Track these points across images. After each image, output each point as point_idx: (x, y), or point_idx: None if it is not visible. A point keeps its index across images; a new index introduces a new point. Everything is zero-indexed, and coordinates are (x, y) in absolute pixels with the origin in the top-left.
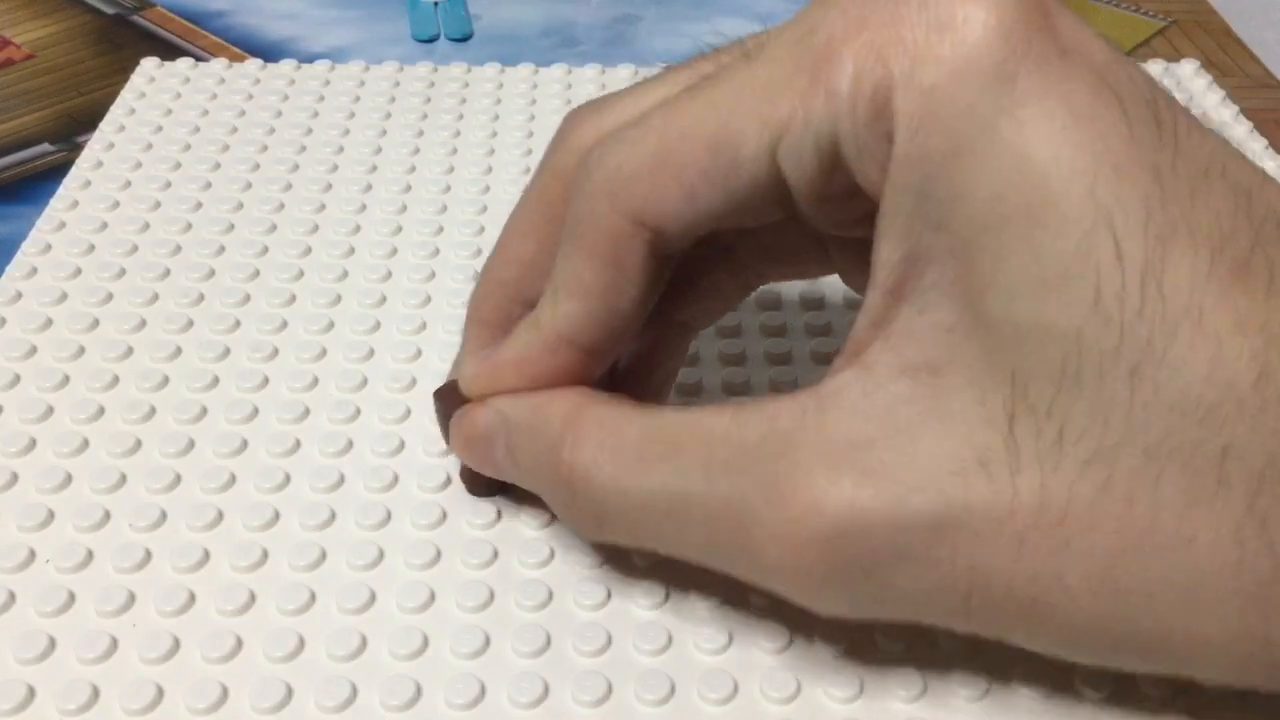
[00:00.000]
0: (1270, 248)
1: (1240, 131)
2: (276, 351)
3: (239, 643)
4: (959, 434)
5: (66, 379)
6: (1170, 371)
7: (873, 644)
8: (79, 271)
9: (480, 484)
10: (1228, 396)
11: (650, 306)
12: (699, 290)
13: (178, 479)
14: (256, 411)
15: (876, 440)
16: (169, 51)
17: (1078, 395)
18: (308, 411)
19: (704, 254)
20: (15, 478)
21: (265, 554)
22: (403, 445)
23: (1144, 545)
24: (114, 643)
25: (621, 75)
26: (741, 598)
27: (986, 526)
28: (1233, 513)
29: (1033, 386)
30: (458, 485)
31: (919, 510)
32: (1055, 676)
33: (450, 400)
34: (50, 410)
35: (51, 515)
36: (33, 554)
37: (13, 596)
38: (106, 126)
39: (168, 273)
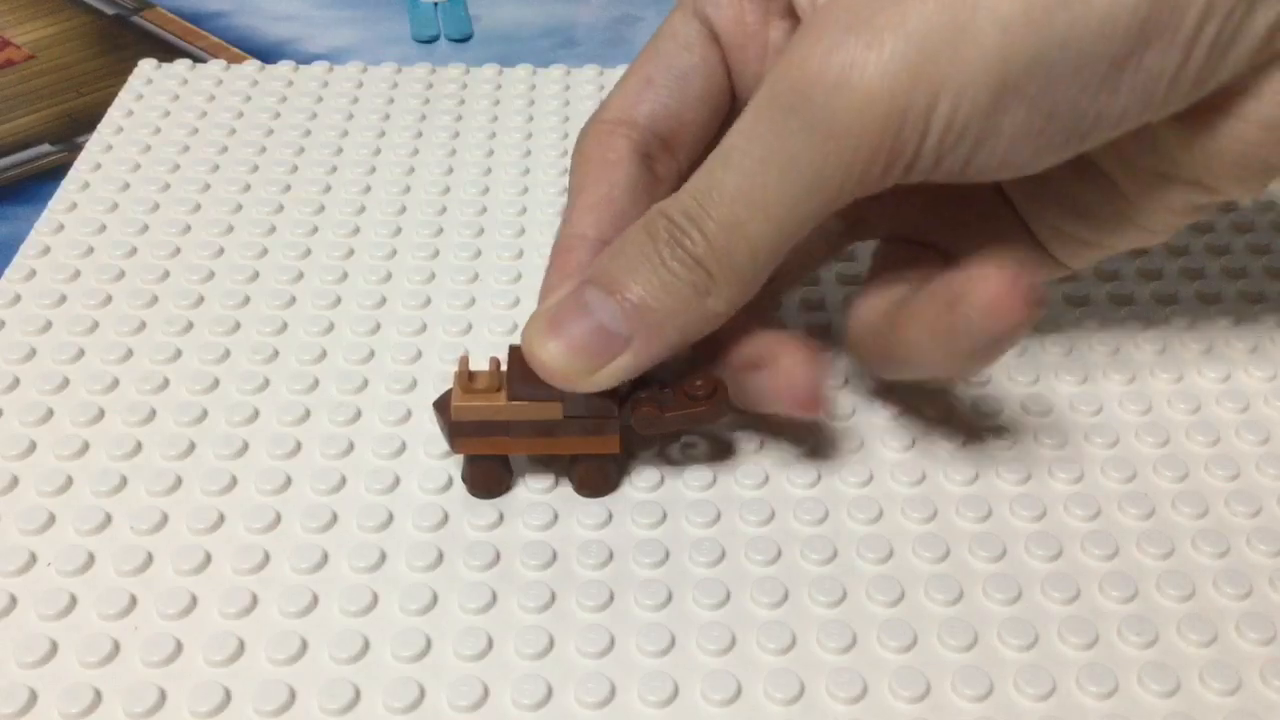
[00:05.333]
0: None
1: None
2: (277, 353)
3: (241, 646)
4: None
5: (66, 381)
6: None
7: (875, 645)
8: (78, 274)
9: (482, 485)
10: None
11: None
12: None
13: (179, 481)
14: (257, 414)
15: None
16: (169, 52)
17: None
18: (308, 413)
19: None
20: (16, 481)
21: (267, 556)
22: (404, 447)
23: None
24: (116, 646)
25: (621, 76)
26: (745, 599)
27: None
28: None
29: None
30: (459, 487)
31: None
32: (1055, 678)
33: (449, 409)
34: (50, 413)
35: (52, 518)
36: (34, 557)
37: (14, 600)
38: (104, 128)
39: (167, 275)
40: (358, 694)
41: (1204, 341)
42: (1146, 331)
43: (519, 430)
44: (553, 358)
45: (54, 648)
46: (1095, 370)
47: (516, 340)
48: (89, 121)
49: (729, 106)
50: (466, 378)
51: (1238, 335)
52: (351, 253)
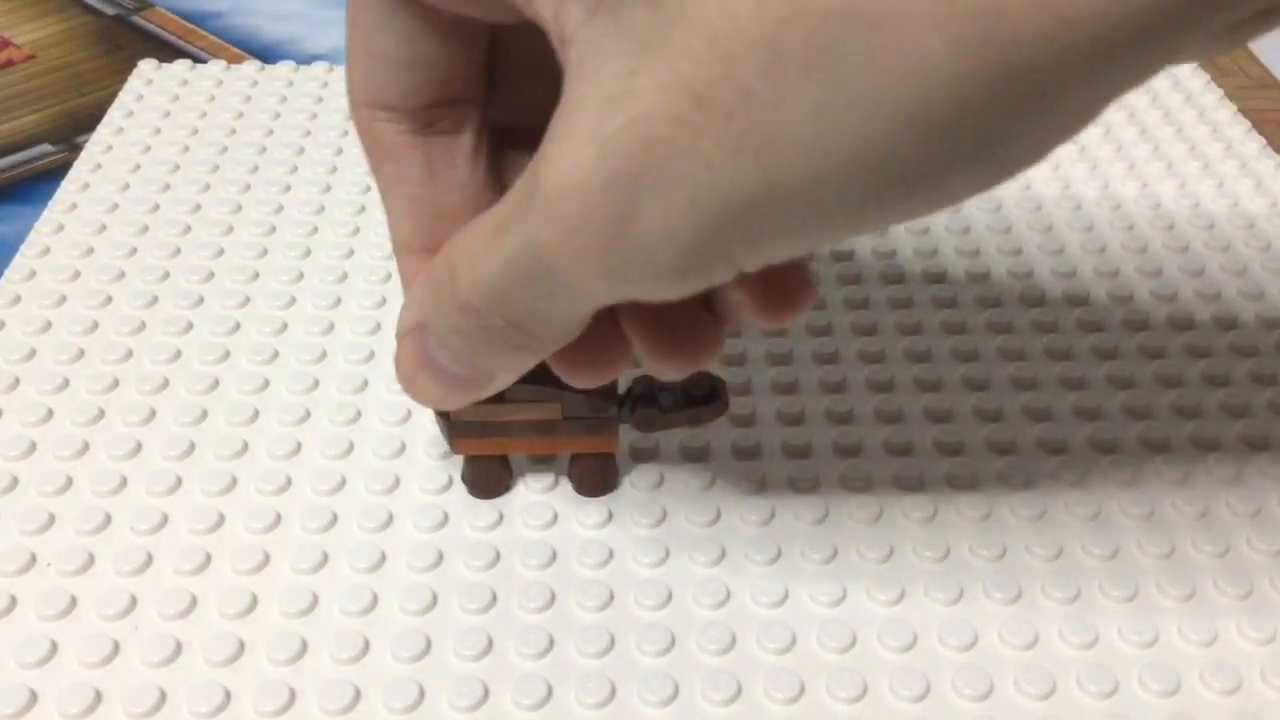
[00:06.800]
0: None
1: (1238, 131)
2: (277, 354)
3: (242, 646)
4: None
5: (66, 382)
6: None
7: (875, 644)
8: (78, 274)
9: (482, 485)
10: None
11: (468, 171)
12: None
13: (179, 482)
14: (258, 414)
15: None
16: (169, 52)
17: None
18: (309, 414)
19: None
20: (16, 481)
21: (267, 557)
22: (404, 447)
23: None
24: (116, 647)
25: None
26: (745, 598)
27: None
28: None
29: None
30: (459, 487)
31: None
32: (1055, 677)
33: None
34: (50, 413)
35: (53, 519)
36: (34, 558)
37: (14, 601)
38: (104, 129)
39: (167, 275)
40: (358, 694)
41: (1203, 340)
42: (1144, 332)
43: (518, 430)
44: (429, 396)
45: (54, 648)
46: (1094, 368)
47: None
48: (89, 121)
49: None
50: None
51: (1237, 335)
52: (351, 253)
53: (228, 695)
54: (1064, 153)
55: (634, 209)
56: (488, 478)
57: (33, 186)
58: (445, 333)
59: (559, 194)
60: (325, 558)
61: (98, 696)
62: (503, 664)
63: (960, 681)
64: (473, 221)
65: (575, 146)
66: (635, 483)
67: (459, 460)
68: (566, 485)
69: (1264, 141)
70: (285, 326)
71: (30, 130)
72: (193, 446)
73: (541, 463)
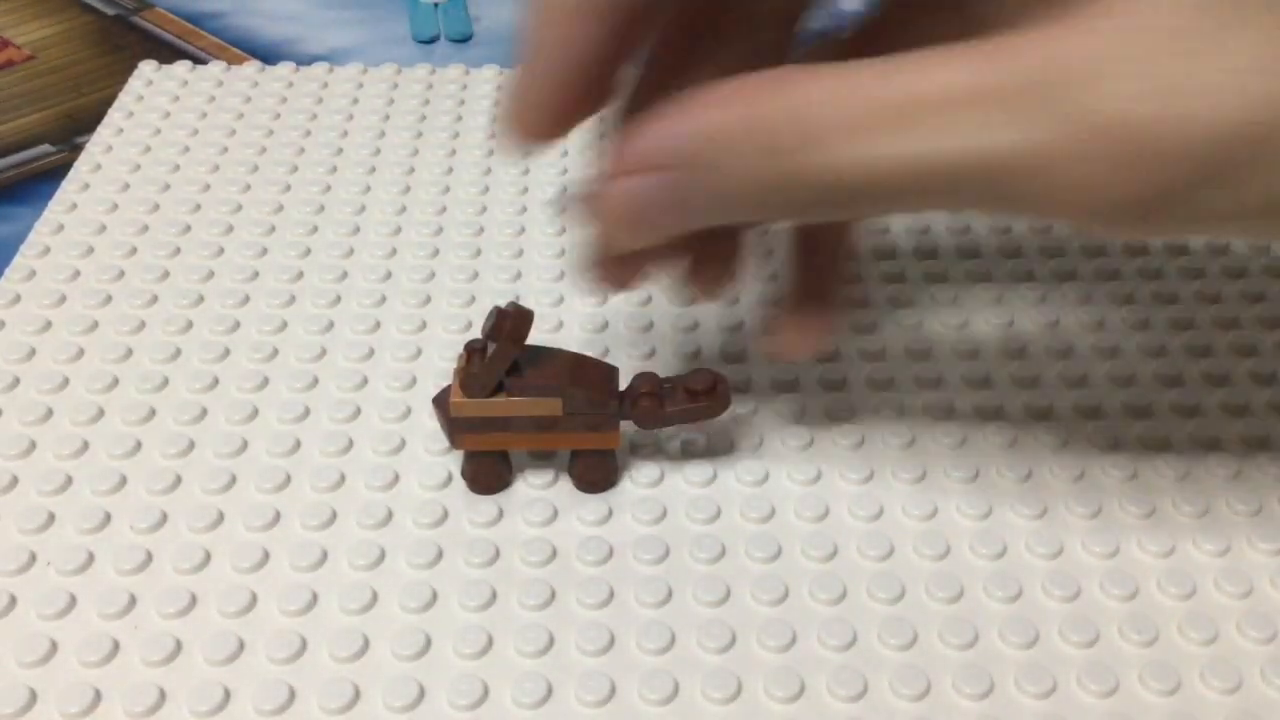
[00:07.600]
0: None
1: None
2: (276, 352)
3: (241, 645)
4: (1256, 39)
5: (66, 381)
6: None
7: (875, 644)
8: (78, 274)
9: (481, 481)
10: None
11: None
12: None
13: (178, 480)
14: (257, 412)
15: (1167, 52)
16: (169, 52)
17: None
18: (308, 411)
19: None
20: (15, 480)
21: (267, 555)
22: (403, 444)
23: None
24: (116, 645)
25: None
26: (745, 595)
27: None
28: None
29: None
30: (459, 483)
31: (1229, 116)
32: (1055, 676)
33: (449, 405)
34: (50, 412)
35: (52, 518)
36: (34, 557)
37: (14, 600)
38: (104, 129)
39: (167, 274)
40: (358, 693)
41: (1203, 340)
42: (1145, 332)
43: (519, 426)
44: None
45: (54, 647)
46: (1095, 368)
47: None
48: (89, 122)
49: None
50: (466, 374)
51: (1237, 335)
52: (351, 252)
53: (227, 694)
54: None
55: (1246, 172)
56: (487, 473)
57: (33, 186)
58: (726, 185)
59: (1151, 135)
60: (324, 555)
61: (97, 695)
62: (502, 662)
63: (961, 680)
64: (850, 81)
65: (1195, 94)
66: (635, 479)
67: (458, 456)
68: (566, 481)
69: None
70: (284, 325)
71: (30, 130)
72: (192, 444)
73: (541, 458)
